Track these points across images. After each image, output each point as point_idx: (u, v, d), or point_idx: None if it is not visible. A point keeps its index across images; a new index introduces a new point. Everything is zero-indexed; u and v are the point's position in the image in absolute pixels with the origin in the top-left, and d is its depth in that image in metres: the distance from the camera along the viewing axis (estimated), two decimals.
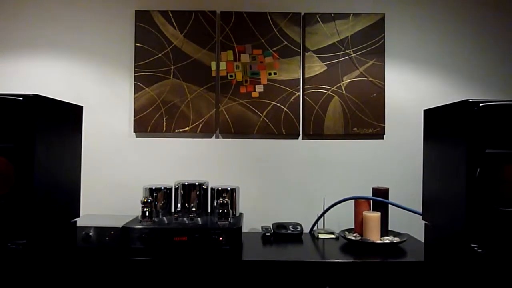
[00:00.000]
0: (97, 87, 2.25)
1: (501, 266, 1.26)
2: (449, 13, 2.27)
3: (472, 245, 1.26)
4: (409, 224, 2.13)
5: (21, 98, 1.21)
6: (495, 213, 1.26)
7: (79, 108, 1.55)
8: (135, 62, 2.21)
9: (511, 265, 1.26)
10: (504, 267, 1.26)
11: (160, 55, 2.21)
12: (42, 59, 2.23)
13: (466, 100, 1.27)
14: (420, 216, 1.64)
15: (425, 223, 1.58)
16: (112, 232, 1.74)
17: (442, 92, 2.26)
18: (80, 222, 1.77)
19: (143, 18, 2.21)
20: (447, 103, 1.41)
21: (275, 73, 2.22)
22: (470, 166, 1.25)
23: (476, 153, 1.25)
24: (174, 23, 2.21)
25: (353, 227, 2.02)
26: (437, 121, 1.49)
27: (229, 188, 2.00)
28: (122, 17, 2.25)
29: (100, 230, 1.75)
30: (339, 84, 2.21)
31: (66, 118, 1.44)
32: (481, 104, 1.26)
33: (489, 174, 1.26)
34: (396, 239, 1.87)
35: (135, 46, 2.21)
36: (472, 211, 1.25)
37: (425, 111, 1.58)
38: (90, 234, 1.74)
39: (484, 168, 1.25)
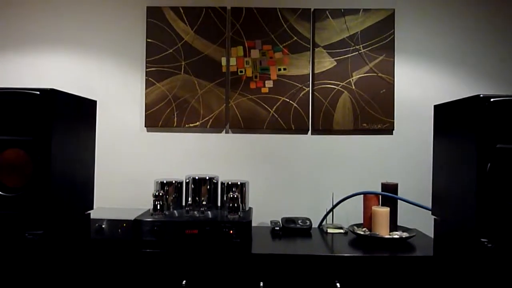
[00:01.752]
0: (109, 83, 2.28)
1: (511, 260, 1.27)
2: (459, 8, 2.26)
3: (482, 239, 1.27)
4: (418, 219, 2.13)
5: (38, 92, 1.24)
6: (506, 208, 1.26)
7: (94, 103, 1.58)
8: (146, 58, 2.23)
9: None
10: None
11: (171, 50, 2.23)
12: (56, 55, 2.27)
13: (477, 95, 1.27)
14: (429, 212, 1.64)
15: (434, 218, 1.59)
16: (124, 225, 1.77)
17: (451, 87, 2.26)
18: (93, 214, 1.81)
19: (154, 14, 2.23)
20: (457, 98, 1.42)
21: (284, 69, 2.23)
22: (481, 161, 1.26)
23: (487, 148, 1.26)
24: (185, 19, 2.23)
25: (362, 222, 2.04)
26: (447, 116, 1.49)
27: (239, 183, 2.02)
28: (133, 13, 2.27)
29: (112, 223, 1.78)
30: (348, 80, 2.22)
31: (81, 112, 1.46)
32: (492, 100, 1.26)
33: (500, 169, 1.27)
34: (405, 234, 1.88)
35: (147, 41, 2.23)
36: (482, 206, 1.26)
37: (435, 106, 1.59)
38: (103, 226, 1.78)
39: (494, 163, 1.26)
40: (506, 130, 1.26)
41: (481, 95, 1.26)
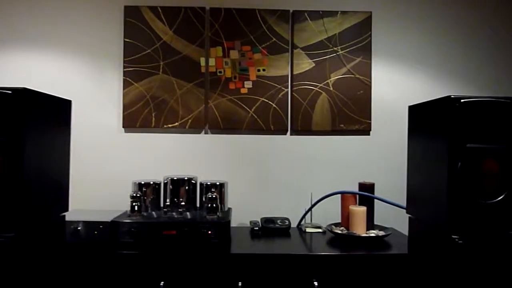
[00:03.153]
0: (86, 82, 2.24)
1: (481, 256, 1.31)
2: (435, 12, 2.31)
3: (454, 236, 1.31)
4: (394, 218, 2.17)
5: (10, 92, 1.21)
6: (476, 205, 1.30)
7: (68, 102, 1.55)
8: (124, 58, 2.21)
9: (490, 255, 1.31)
10: (484, 257, 1.31)
11: (149, 50, 2.21)
12: (32, 53, 2.22)
13: (448, 96, 1.31)
14: (405, 210, 1.68)
15: (409, 217, 1.62)
16: (101, 227, 1.75)
17: (427, 89, 2.31)
18: (69, 216, 1.78)
19: (132, 14, 2.21)
20: (431, 99, 1.45)
21: (263, 70, 2.24)
22: (452, 161, 1.29)
23: (458, 147, 1.30)
24: (164, 19, 2.22)
25: (339, 221, 2.06)
26: (420, 117, 1.53)
27: (217, 183, 2.02)
28: (111, 13, 2.24)
29: (89, 225, 1.75)
30: (326, 81, 2.25)
31: (55, 112, 1.44)
32: (462, 100, 1.30)
33: (470, 168, 1.30)
34: (381, 233, 1.91)
35: (124, 41, 2.21)
36: (453, 204, 1.30)
37: (409, 107, 1.62)
38: (79, 228, 1.75)
39: (465, 162, 1.30)
40: (476, 130, 1.30)
41: (452, 96, 1.30)
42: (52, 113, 1.42)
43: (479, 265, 1.31)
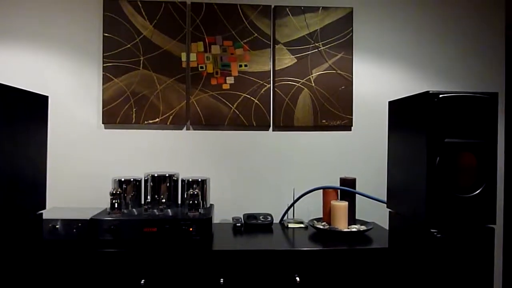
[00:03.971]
0: (65, 78, 2.19)
1: (459, 249, 1.33)
2: (415, 8, 2.34)
3: (432, 230, 1.33)
4: (375, 212, 2.19)
5: None
6: (454, 199, 1.32)
7: (45, 98, 1.51)
8: (103, 53, 2.17)
9: (468, 248, 1.33)
10: (462, 250, 1.33)
11: (129, 45, 2.18)
12: (7, 48, 2.16)
13: (427, 92, 1.32)
14: (385, 205, 1.69)
15: (389, 211, 1.64)
16: (79, 224, 1.72)
17: (407, 84, 2.34)
18: (47, 214, 1.74)
19: (111, 8, 2.17)
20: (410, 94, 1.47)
21: (245, 65, 2.23)
22: (430, 155, 1.31)
23: (436, 142, 1.31)
24: (144, 13, 2.18)
25: (321, 216, 2.07)
26: (400, 112, 1.54)
27: (199, 180, 2.00)
28: (89, 6, 2.19)
29: (67, 222, 1.72)
30: (308, 77, 2.25)
31: (30, 108, 1.40)
32: (440, 96, 1.31)
33: (448, 162, 1.32)
34: (362, 227, 1.93)
35: (103, 36, 2.17)
36: (432, 198, 1.31)
37: (389, 102, 1.64)
38: (57, 226, 1.71)
39: (443, 157, 1.31)
40: (454, 125, 1.32)
41: (431, 91, 1.31)
42: (27, 109, 1.38)
43: (457, 258, 1.33)
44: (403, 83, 2.34)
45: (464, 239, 1.34)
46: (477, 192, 1.33)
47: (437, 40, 2.34)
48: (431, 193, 1.31)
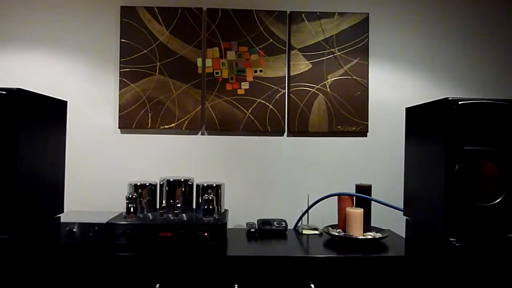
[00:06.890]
0: (82, 83, 2.23)
1: (479, 259, 1.31)
2: (432, 13, 2.31)
3: (451, 239, 1.30)
4: (391, 220, 2.17)
5: (4, 92, 1.20)
6: (473, 208, 1.30)
7: (64, 103, 1.54)
8: (120, 58, 2.20)
9: (488, 258, 1.31)
10: (481, 260, 1.30)
11: (145, 51, 2.20)
12: (27, 54, 2.20)
13: (446, 98, 1.30)
14: (401, 212, 1.67)
15: (406, 219, 1.62)
16: (96, 228, 1.73)
17: (424, 90, 2.31)
18: (64, 218, 1.77)
19: (128, 14, 2.20)
20: (428, 101, 1.45)
21: (260, 71, 2.23)
22: (449, 163, 1.29)
23: (455, 149, 1.29)
24: (160, 20, 2.21)
25: (336, 223, 2.05)
26: (418, 119, 1.52)
27: (214, 185, 2.01)
28: (107, 13, 2.23)
29: (84, 226, 1.74)
30: (323, 82, 2.24)
31: (50, 113, 1.42)
32: (460, 102, 1.29)
33: (467, 170, 1.30)
34: (378, 235, 1.90)
35: (121, 42, 2.20)
36: (450, 206, 1.29)
37: (407, 109, 1.62)
38: (74, 230, 1.73)
39: (462, 165, 1.29)
40: (474, 132, 1.30)
41: (450, 98, 1.29)
42: (47, 114, 1.40)
43: (476, 268, 1.30)
44: (419, 89, 2.31)
45: (484, 249, 1.31)
46: (498, 200, 1.30)
47: (454, 45, 2.31)
48: (450, 202, 1.29)
